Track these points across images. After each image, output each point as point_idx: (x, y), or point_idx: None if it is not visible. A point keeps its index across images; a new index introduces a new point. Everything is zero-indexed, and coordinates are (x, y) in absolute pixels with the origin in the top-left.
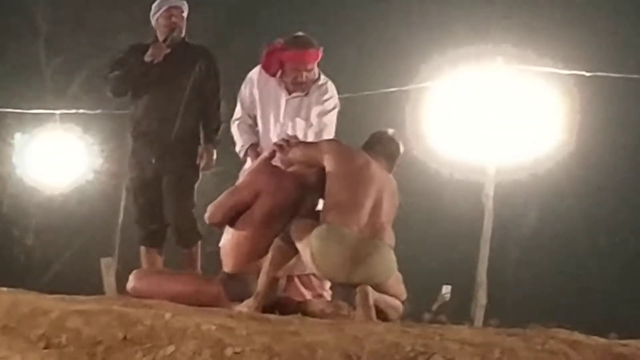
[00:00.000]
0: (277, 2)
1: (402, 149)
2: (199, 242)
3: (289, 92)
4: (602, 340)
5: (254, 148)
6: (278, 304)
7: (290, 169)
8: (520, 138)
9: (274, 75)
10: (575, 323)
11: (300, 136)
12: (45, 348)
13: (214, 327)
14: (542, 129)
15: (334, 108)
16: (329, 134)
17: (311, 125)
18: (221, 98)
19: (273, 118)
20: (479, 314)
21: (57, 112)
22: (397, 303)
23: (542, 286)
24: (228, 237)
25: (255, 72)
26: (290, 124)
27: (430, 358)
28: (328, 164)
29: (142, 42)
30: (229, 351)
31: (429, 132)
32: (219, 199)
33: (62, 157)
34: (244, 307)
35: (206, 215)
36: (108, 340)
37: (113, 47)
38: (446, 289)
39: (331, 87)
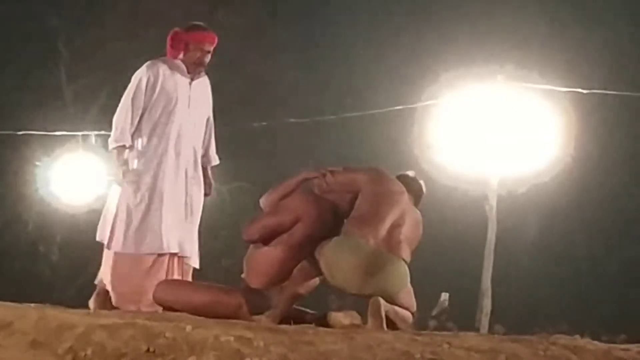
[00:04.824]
0: (285, 26)
1: (424, 188)
2: None
3: (189, 74)
4: (602, 344)
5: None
6: (296, 317)
7: (328, 196)
8: (521, 152)
9: (176, 57)
10: (576, 328)
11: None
12: None
13: (232, 339)
14: (542, 143)
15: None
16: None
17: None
18: None
19: (178, 105)
20: (484, 321)
21: (79, 133)
22: (407, 314)
23: (545, 293)
24: (257, 256)
25: (149, 65)
26: (197, 114)
27: None
28: (364, 188)
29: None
30: None
31: (435, 147)
32: (258, 217)
33: (85, 176)
34: (262, 319)
35: (243, 232)
36: (132, 352)
37: (131, 70)
38: (444, 296)
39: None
